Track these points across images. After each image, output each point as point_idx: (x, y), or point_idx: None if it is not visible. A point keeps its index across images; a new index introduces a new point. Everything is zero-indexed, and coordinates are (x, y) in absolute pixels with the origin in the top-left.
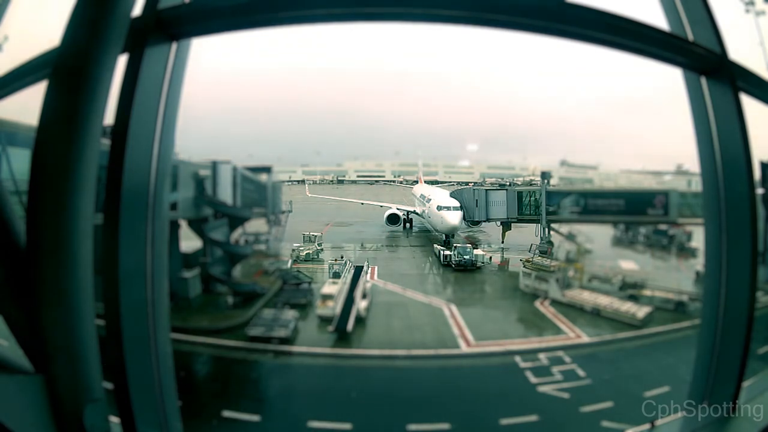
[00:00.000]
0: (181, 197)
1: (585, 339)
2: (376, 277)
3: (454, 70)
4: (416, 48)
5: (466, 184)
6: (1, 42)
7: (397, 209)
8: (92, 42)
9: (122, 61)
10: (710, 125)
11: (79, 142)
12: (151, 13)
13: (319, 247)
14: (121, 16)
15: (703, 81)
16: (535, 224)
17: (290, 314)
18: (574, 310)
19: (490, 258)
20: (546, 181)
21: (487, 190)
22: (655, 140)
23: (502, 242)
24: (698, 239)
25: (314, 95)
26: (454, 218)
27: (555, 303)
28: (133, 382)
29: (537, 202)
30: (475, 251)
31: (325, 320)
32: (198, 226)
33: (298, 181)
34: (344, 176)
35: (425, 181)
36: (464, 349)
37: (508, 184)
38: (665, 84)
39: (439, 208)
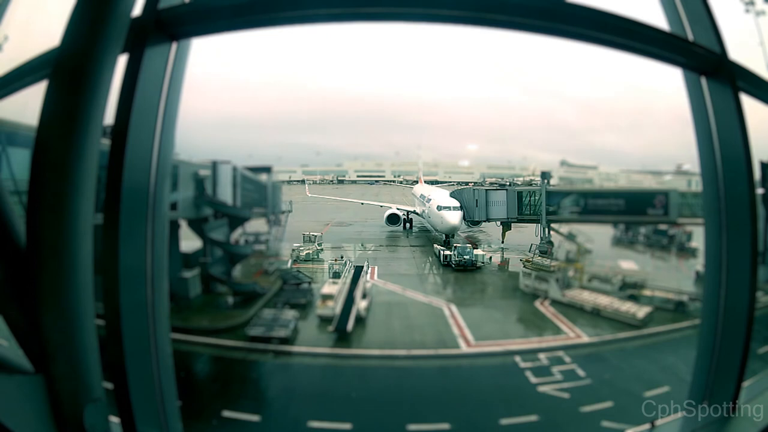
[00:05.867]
0: (181, 197)
1: (585, 339)
2: (376, 277)
3: (453, 70)
4: (416, 48)
5: (466, 184)
6: (1, 42)
7: (397, 209)
8: (92, 42)
9: (122, 61)
10: (710, 125)
11: (79, 142)
12: (151, 13)
13: (319, 247)
14: (121, 16)
15: (703, 81)
16: (535, 224)
17: (290, 314)
18: (574, 310)
19: (490, 258)
20: (546, 181)
21: (487, 190)
22: (655, 140)
23: (502, 242)
24: (698, 239)
25: (314, 94)
26: (454, 218)
27: (555, 303)
28: (133, 382)
29: (537, 202)
30: (475, 251)
31: (325, 320)
32: (198, 226)
33: (298, 181)
34: (344, 176)
35: (425, 181)
36: (464, 349)
37: (508, 184)
38: (665, 84)
39: (439, 208)
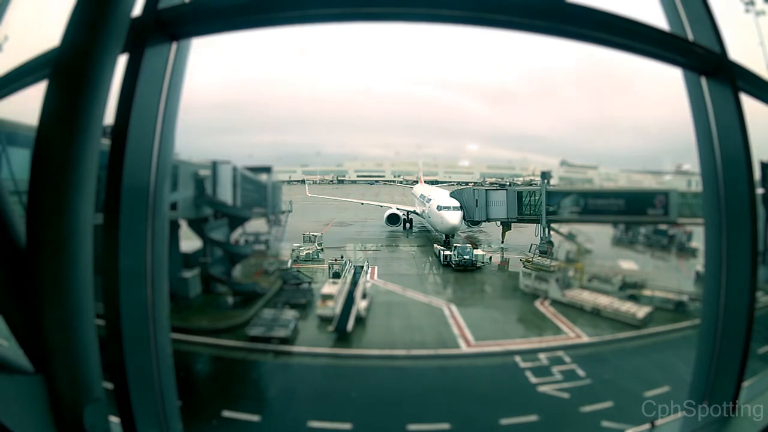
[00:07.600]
0: (181, 197)
1: (585, 339)
2: (376, 277)
3: (453, 69)
4: (416, 48)
5: (466, 184)
6: (1, 42)
7: (397, 209)
8: (92, 42)
9: (122, 61)
10: (710, 125)
11: (79, 142)
12: (151, 13)
13: (319, 247)
14: (121, 16)
15: (703, 81)
16: (535, 224)
17: (290, 314)
18: (574, 310)
19: (490, 258)
20: (546, 181)
21: (487, 190)
22: (655, 139)
23: (502, 242)
24: (698, 239)
25: (314, 94)
26: (454, 218)
27: (555, 303)
28: (133, 382)
29: (537, 202)
30: (475, 251)
31: (325, 320)
32: (198, 226)
33: (298, 181)
34: (344, 176)
35: (425, 181)
36: (464, 349)
37: (508, 184)
38: (665, 84)
39: (439, 208)
